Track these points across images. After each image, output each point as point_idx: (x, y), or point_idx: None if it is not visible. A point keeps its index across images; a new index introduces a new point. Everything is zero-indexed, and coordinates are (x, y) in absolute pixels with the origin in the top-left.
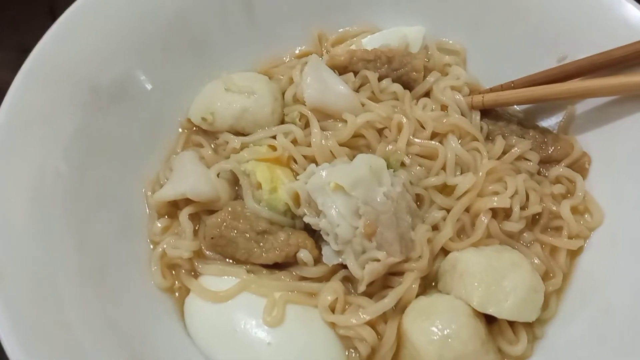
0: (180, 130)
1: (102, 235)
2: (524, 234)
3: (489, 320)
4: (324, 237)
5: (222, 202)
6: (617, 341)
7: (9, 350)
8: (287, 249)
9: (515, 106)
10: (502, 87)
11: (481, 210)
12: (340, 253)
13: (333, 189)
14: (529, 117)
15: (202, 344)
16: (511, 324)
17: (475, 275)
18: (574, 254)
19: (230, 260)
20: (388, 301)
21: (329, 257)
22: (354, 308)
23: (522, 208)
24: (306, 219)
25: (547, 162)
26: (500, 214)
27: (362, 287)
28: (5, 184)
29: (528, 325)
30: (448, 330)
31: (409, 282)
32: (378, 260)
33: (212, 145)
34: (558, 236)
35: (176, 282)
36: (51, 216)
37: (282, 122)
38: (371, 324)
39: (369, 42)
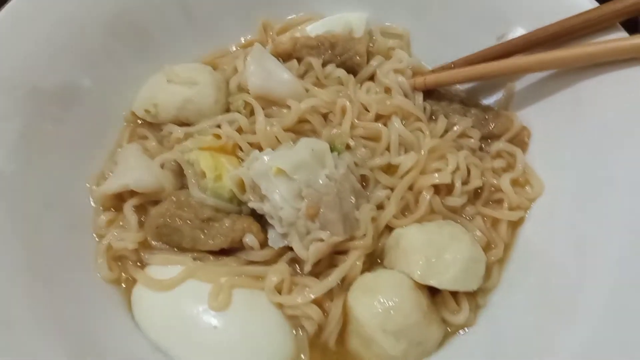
0: (125, 124)
1: (49, 233)
2: (467, 208)
3: (433, 292)
4: (269, 220)
5: (167, 193)
6: (557, 306)
7: None
8: (232, 235)
9: (457, 86)
10: (443, 68)
11: (424, 187)
12: (285, 235)
13: (275, 173)
14: (471, 95)
15: (150, 332)
16: (454, 294)
17: (416, 249)
18: (515, 225)
19: (177, 249)
20: (332, 279)
21: (275, 240)
22: (300, 288)
23: (464, 183)
24: (251, 204)
25: (488, 137)
26: (442, 190)
27: (307, 267)
28: None
29: (471, 295)
30: (390, 303)
31: (352, 260)
32: (322, 240)
33: (157, 137)
34: (499, 208)
35: (123, 274)
36: None
37: (228, 111)
38: (317, 302)
39: (313, 30)
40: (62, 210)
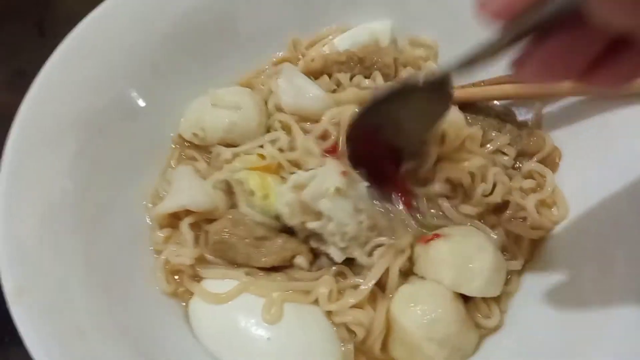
0: (173, 146)
1: (108, 247)
2: (489, 217)
3: (465, 299)
4: (328, 238)
5: (220, 211)
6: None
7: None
8: (283, 253)
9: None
10: (474, 85)
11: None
12: (345, 249)
13: (333, 193)
14: (507, 110)
15: (207, 343)
16: (484, 300)
17: (444, 260)
18: (536, 243)
19: (231, 265)
20: (374, 271)
21: (338, 255)
22: (348, 292)
23: (485, 195)
24: (310, 225)
25: (521, 155)
26: (459, 196)
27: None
28: (18, 206)
29: (497, 300)
30: (434, 315)
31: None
32: (383, 245)
33: (206, 159)
34: (523, 226)
35: (180, 287)
36: (60, 233)
37: (268, 130)
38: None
39: (341, 42)
40: (118, 225)
